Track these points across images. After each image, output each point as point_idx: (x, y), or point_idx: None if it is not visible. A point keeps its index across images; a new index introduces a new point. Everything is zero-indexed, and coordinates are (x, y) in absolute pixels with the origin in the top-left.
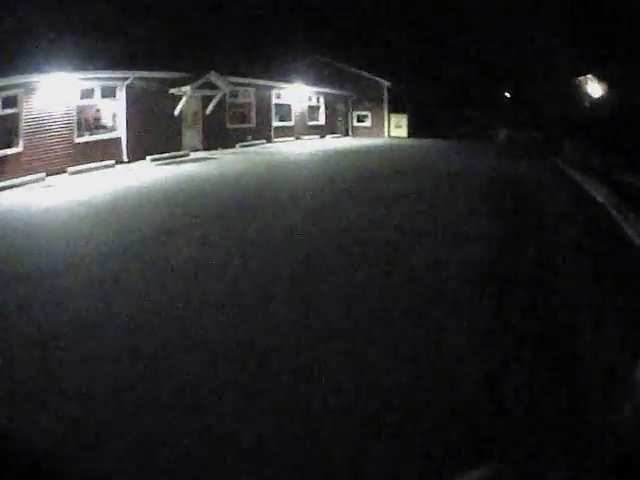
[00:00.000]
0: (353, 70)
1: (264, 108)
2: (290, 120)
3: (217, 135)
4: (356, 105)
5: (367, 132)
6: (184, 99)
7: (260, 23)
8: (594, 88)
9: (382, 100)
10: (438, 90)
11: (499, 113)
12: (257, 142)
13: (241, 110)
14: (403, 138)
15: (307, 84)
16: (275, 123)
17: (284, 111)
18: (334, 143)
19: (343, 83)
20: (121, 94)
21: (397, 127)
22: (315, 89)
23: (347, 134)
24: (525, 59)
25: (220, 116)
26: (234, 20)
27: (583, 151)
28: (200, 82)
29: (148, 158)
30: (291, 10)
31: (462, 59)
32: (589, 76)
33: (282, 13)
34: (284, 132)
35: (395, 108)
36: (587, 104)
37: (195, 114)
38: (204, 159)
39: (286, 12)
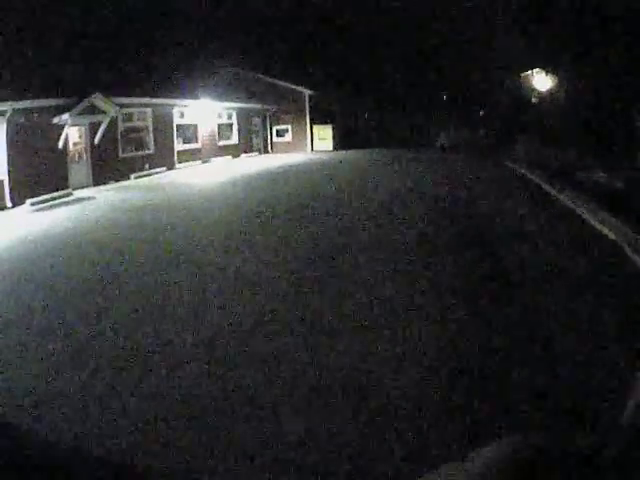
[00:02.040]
0: (270, 80)
1: (164, 130)
2: (196, 142)
3: (108, 167)
4: (276, 118)
5: (288, 147)
6: (65, 129)
7: (162, 33)
8: (542, 82)
9: (303, 111)
10: (369, 95)
11: (440, 115)
12: (156, 170)
13: (137, 135)
14: (329, 151)
15: (216, 99)
16: (178, 146)
17: (189, 132)
18: (246, 165)
19: (261, 95)
20: (1, 130)
21: (321, 139)
22: (226, 104)
23: (266, 151)
24: (466, 55)
25: (111, 144)
26: (129, 31)
27: (535, 149)
28: (81, 107)
29: (28, 202)
30: (200, 19)
31: (395, 59)
32: (536, 70)
33: (187, 20)
34: (190, 156)
35: (319, 119)
36: (535, 100)
37: (81, 145)
38: (82, 200)
39: (192, 20)
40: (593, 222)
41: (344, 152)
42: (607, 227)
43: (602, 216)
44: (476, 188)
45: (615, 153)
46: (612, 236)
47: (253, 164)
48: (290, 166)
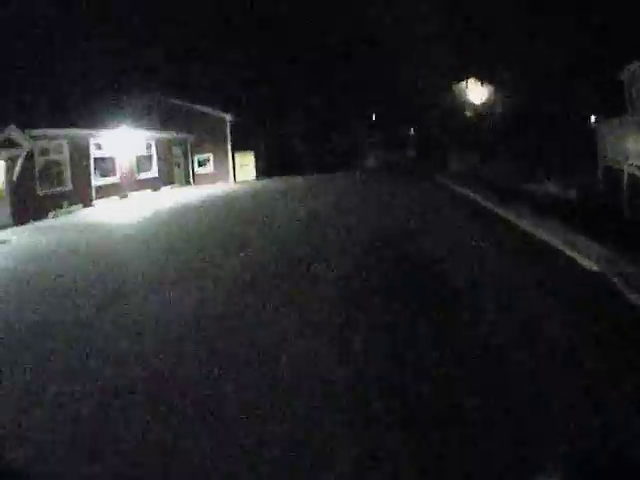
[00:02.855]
0: (191, 105)
1: (81, 164)
2: (115, 175)
3: (28, 205)
4: (197, 148)
5: (211, 178)
6: None
7: (77, 59)
8: (477, 93)
9: (225, 138)
10: (293, 120)
11: (368, 137)
12: (73, 208)
13: (55, 170)
14: (251, 181)
15: (134, 128)
16: (96, 181)
17: (107, 165)
18: (165, 199)
19: (181, 123)
20: None
21: (244, 168)
22: (146, 133)
23: (188, 183)
24: (394, 72)
25: (29, 181)
26: (41, 60)
27: (472, 165)
28: None
29: None
30: (117, 48)
31: (321, 83)
32: (471, 80)
33: (103, 49)
34: (108, 191)
35: (242, 147)
36: (469, 113)
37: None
38: None
39: (109, 47)
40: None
41: (266, 182)
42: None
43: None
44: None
45: (566, 166)
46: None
47: (171, 199)
48: (202, 202)
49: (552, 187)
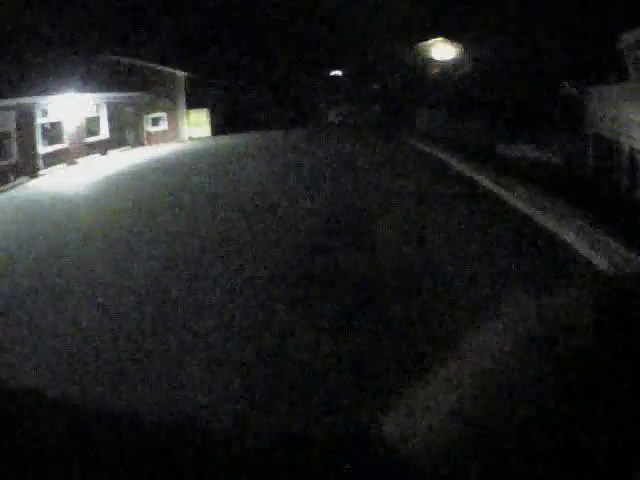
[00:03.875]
0: (143, 63)
1: (27, 133)
2: (62, 141)
3: None
4: (151, 106)
5: (164, 137)
6: None
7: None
8: (443, 52)
9: (178, 96)
10: (250, 74)
11: (332, 92)
12: (20, 180)
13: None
14: (205, 138)
15: (83, 90)
16: (43, 149)
17: (54, 131)
18: (111, 164)
19: (134, 82)
20: None
21: (196, 125)
22: (95, 95)
23: (141, 143)
24: (359, 26)
25: None
26: None
27: (440, 124)
28: None
29: None
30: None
31: (282, 36)
32: (439, 39)
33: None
34: (56, 158)
35: (196, 104)
36: (435, 70)
37: None
38: None
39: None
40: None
41: (222, 139)
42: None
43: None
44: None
45: (537, 126)
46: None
47: (118, 162)
48: (152, 162)
49: (530, 151)
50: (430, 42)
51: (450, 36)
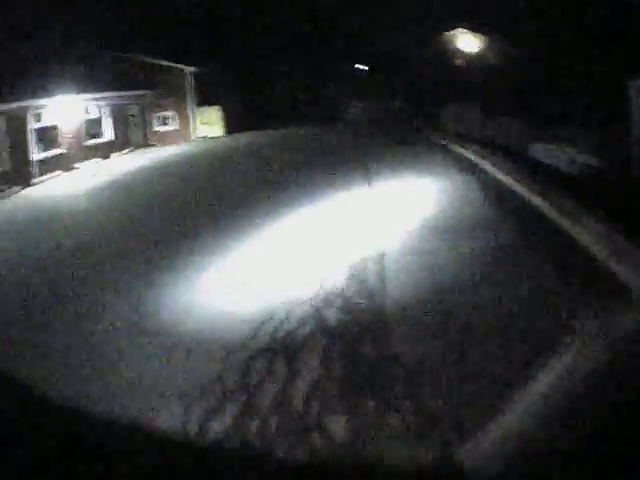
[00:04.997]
0: (147, 60)
1: (19, 139)
2: (59, 146)
3: None
4: (158, 105)
5: (173, 137)
6: None
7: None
8: (468, 43)
9: (187, 93)
10: (270, 69)
11: (356, 87)
12: (10, 191)
13: None
14: (217, 137)
15: (81, 91)
16: (37, 155)
17: (50, 136)
18: (110, 169)
19: (139, 80)
20: None
21: (207, 124)
22: (95, 95)
23: (147, 144)
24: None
25: None
26: None
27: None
28: None
29: None
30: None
31: (301, 31)
32: (460, 30)
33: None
34: (53, 164)
35: (209, 101)
36: (461, 62)
37: None
38: None
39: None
40: None
41: (234, 139)
42: None
43: None
44: None
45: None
46: None
47: (111, 169)
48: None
49: (576, 154)
50: (453, 32)
51: (476, 27)
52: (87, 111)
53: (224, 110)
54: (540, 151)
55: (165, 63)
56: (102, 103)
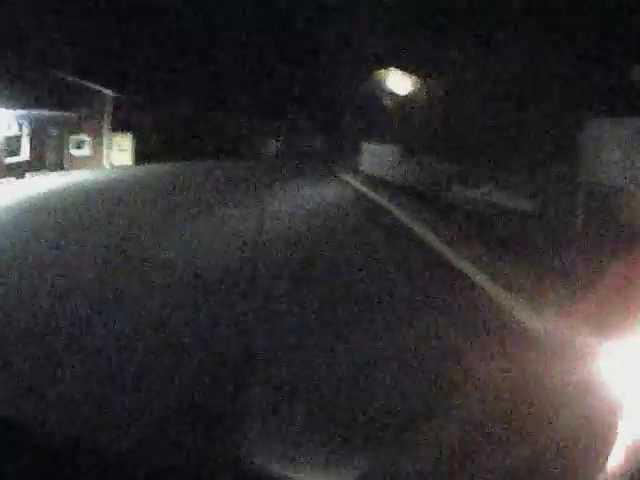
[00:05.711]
0: (72, 79)
1: None
2: None
3: None
4: (76, 127)
5: (87, 162)
6: None
7: None
8: (399, 84)
9: (103, 118)
10: (186, 98)
11: (274, 123)
12: None
13: None
14: (127, 167)
15: (6, 106)
16: None
17: None
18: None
19: (62, 99)
20: None
21: (121, 151)
22: (20, 112)
23: (61, 167)
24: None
25: None
26: None
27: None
28: None
29: None
30: None
31: (226, 55)
32: (393, 69)
33: None
34: None
35: (124, 127)
36: (388, 103)
37: None
38: None
39: None
40: None
41: (143, 169)
42: None
43: None
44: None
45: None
46: None
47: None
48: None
49: (499, 196)
50: (385, 71)
51: (408, 68)
52: (9, 127)
53: (136, 137)
54: (457, 192)
55: (89, 84)
56: (24, 121)
